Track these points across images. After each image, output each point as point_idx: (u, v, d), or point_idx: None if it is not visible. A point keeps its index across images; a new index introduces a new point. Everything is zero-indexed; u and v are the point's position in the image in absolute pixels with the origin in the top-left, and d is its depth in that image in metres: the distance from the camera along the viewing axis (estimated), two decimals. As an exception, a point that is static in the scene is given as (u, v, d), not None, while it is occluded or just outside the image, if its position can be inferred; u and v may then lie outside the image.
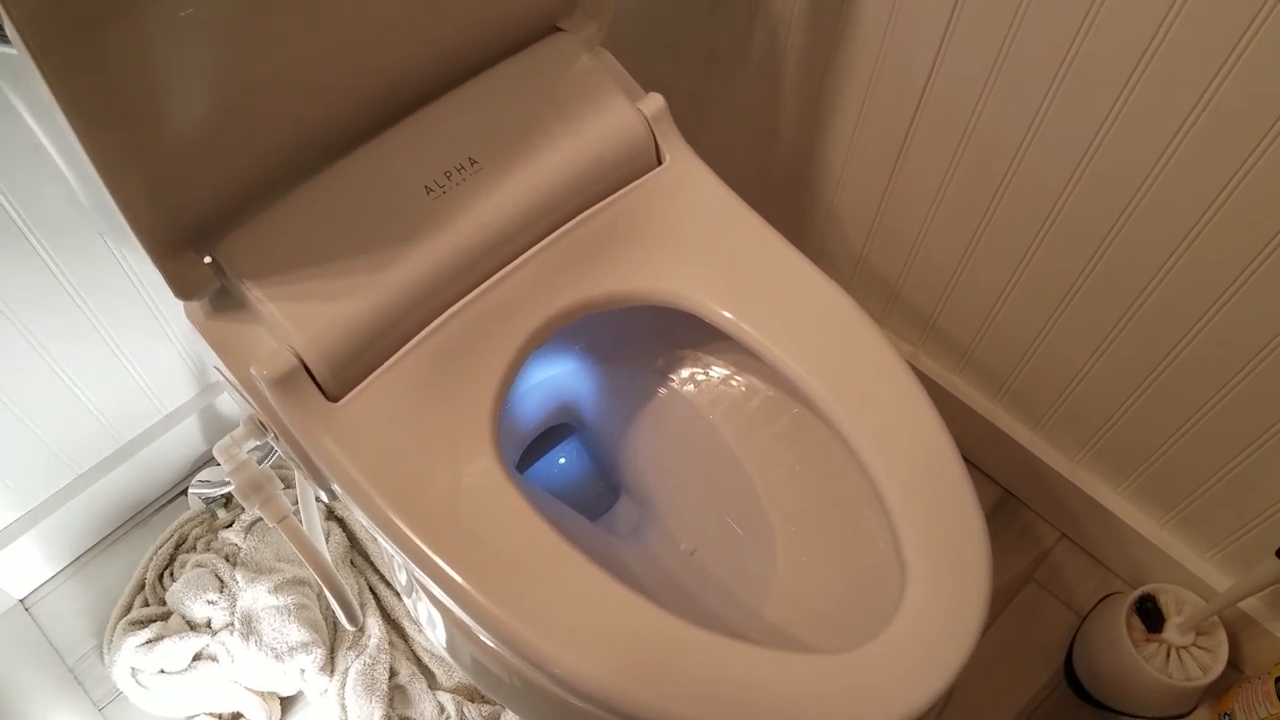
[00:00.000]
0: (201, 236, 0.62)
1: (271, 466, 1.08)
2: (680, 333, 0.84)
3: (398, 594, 1.03)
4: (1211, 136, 0.66)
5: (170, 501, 1.12)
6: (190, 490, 1.09)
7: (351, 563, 1.05)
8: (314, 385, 0.62)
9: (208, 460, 1.13)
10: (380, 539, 0.65)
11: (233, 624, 0.97)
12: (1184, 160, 0.69)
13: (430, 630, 0.96)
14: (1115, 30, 0.66)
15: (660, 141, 0.74)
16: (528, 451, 0.95)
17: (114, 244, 0.86)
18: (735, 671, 0.55)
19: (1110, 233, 0.78)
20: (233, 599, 0.99)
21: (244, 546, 1.03)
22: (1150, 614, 0.92)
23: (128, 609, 1.02)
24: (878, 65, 0.84)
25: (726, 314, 0.69)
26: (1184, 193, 0.71)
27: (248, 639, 0.95)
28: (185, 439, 1.09)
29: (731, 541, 0.80)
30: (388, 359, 0.65)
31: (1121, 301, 0.82)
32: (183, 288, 0.61)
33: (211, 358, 0.66)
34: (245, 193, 0.62)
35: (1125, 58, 0.67)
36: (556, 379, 0.90)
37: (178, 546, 1.06)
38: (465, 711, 0.96)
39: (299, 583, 1.00)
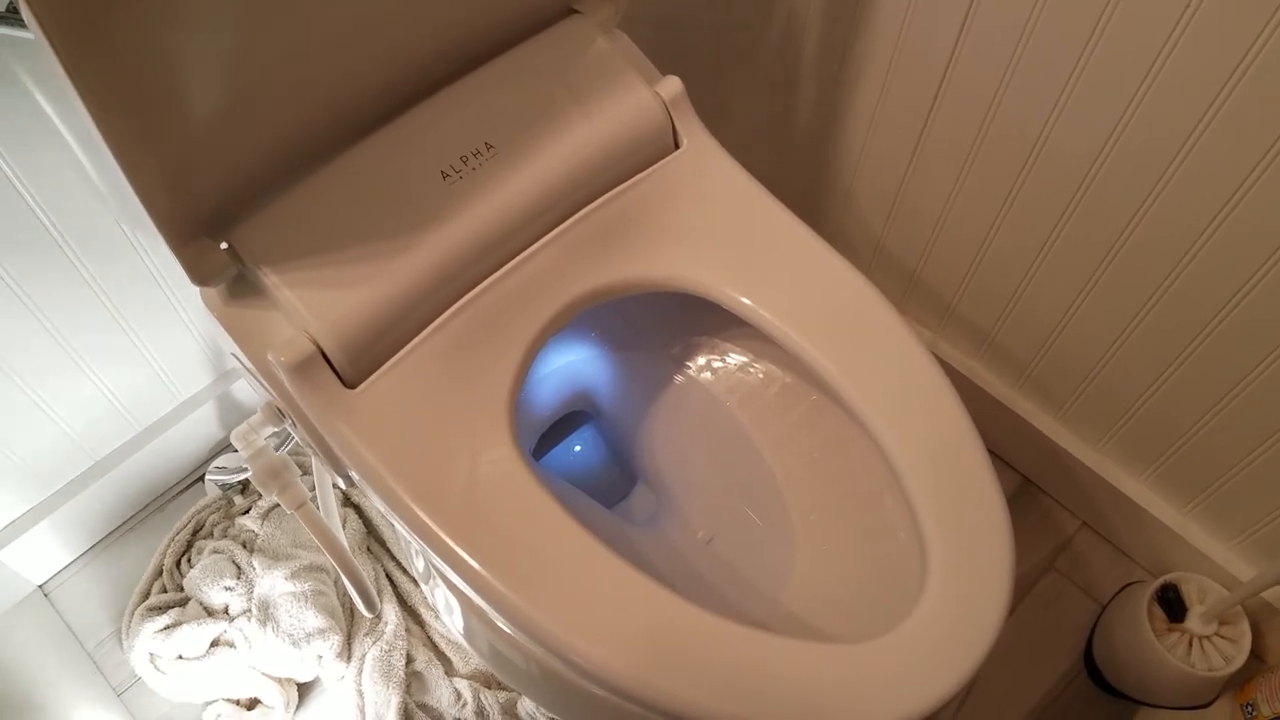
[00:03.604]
0: (218, 222, 0.61)
1: (289, 453, 1.08)
2: (697, 319, 0.83)
3: (414, 581, 1.03)
4: (1245, 110, 0.65)
5: (188, 488, 1.12)
6: (207, 477, 1.09)
7: (368, 549, 1.05)
8: (331, 372, 0.62)
9: (225, 447, 1.14)
10: (398, 526, 0.64)
11: (250, 610, 0.98)
12: (1216, 135, 0.67)
13: (447, 617, 0.96)
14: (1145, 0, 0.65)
15: (678, 125, 0.73)
16: (544, 438, 0.95)
17: (130, 230, 0.86)
18: (754, 660, 0.55)
19: (1136, 214, 0.77)
20: (250, 585, 0.99)
21: (261, 533, 1.03)
22: (1172, 603, 0.91)
23: (146, 595, 1.02)
24: (899, 44, 0.83)
25: (744, 300, 0.69)
26: (1213, 173, 0.69)
27: (265, 625, 0.96)
28: (202, 425, 1.09)
29: (749, 530, 0.79)
30: (404, 345, 0.64)
31: (1146, 286, 0.80)
32: (199, 273, 0.61)
33: (228, 344, 0.66)
34: (262, 178, 0.62)
35: (1156, 29, 0.65)
36: (572, 366, 0.89)
37: (195, 533, 1.07)
38: (482, 698, 0.96)
39: (316, 569, 1.00)
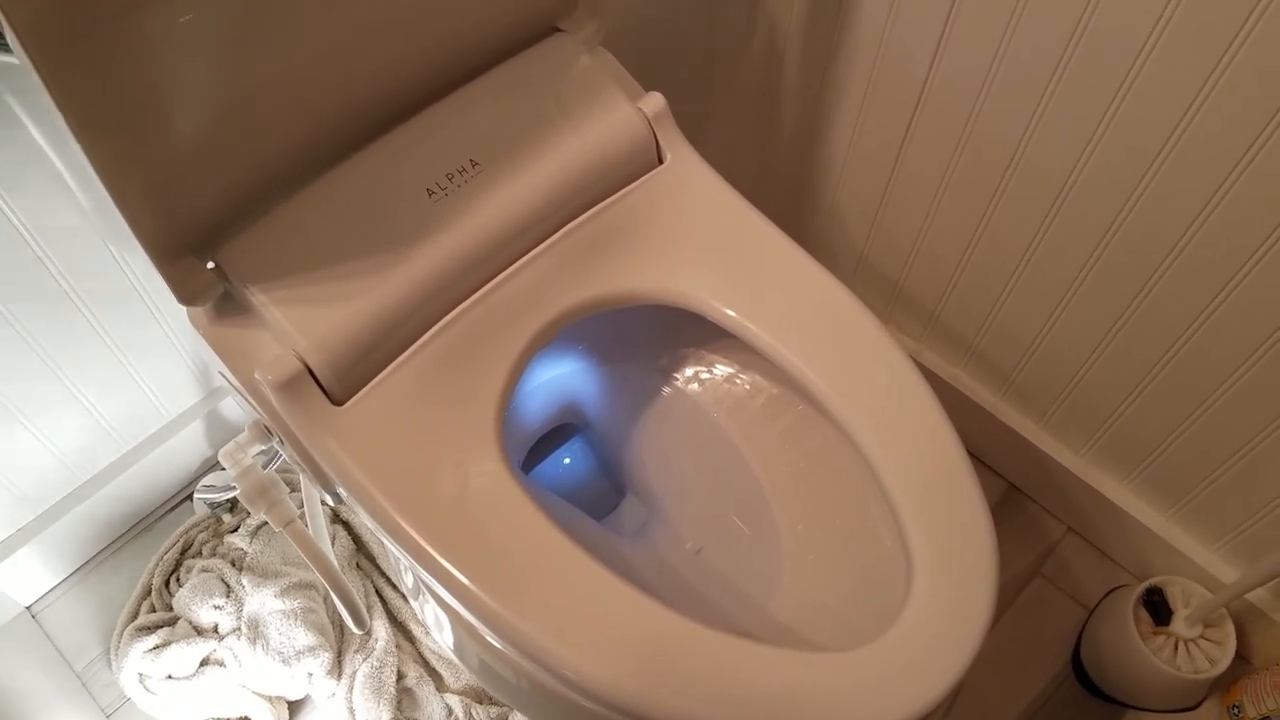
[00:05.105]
0: (204, 241, 0.62)
1: (277, 471, 1.08)
2: (684, 331, 0.84)
3: (404, 596, 1.03)
4: (1213, 126, 0.66)
5: (175, 507, 1.12)
6: (195, 495, 1.09)
7: (358, 566, 1.05)
8: (318, 389, 0.62)
9: (213, 465, 1.13)
10: (386, 542, 0.65)
11: (239, 629, 0.97)
12: (1187, 150, 0.69)
13: (437, 632, 0.96)
14: (1116, 19, 0.66)
15: (661, 140, 0.74)
16: (533, 452, 0.95)
17: (117, 250, 0.86)
18: (744, 670, 0.55)
19: (1113, 224, 0.78)
20: (239, 604, 0.99)
21: (250, 551, 1.03)
22: (1157, 607, 0.92)
23: (134, 615, 1.02)
24: (877, 61, 0.84)
25: (730, 312, 0.69)
26: (1187, 183, 0.71)
27: (255, 643, 0.95)
28: (190, 444, 1.09)
29: (738, 540, 0.80)
30: (392, 362, 0.64)
31: (1126, 293, 0.81)
32: (186, 293, 0.61)
33: (215, 363, 0.67)
34: (247, 197, 0.62)
35: (1126, 48, 0.67)
36: (560, 379, 0.90)
37: (184, 552, 1.06)
38: (473, 713, 0.96)
39: (305, 586, 1.00)
